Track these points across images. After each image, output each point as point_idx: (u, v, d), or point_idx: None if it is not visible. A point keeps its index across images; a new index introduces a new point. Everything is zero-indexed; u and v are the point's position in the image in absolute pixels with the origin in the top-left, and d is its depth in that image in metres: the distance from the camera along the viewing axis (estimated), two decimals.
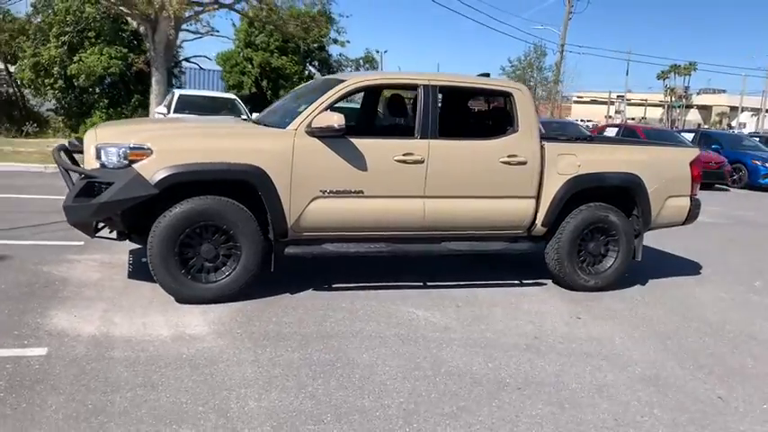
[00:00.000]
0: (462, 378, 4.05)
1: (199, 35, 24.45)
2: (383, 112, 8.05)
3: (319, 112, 5.23)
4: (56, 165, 5.26)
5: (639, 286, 6.57)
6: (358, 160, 5.31)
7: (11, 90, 26.07)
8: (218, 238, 5.09)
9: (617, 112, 77.48)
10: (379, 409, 3.56)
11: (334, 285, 5.81)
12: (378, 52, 34.39)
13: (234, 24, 27.28)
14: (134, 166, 4.82)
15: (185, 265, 5.04)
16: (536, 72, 36.41)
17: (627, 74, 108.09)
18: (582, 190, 6.02)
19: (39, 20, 25.97)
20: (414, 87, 5.73)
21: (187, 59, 29.12)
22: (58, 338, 4.21)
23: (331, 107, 5.36)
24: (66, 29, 25.34)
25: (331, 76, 6.54)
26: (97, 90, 26.35)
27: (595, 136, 10.37)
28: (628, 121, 61.27)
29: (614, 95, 79.34)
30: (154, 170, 4.82)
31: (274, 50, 26.95)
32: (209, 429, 3.22)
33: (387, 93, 7.43)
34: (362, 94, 7.11)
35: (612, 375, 4.27)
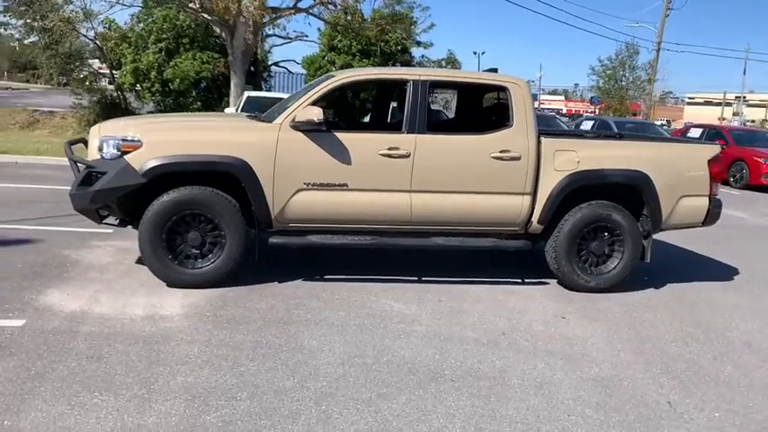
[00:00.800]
0: (400, 367, 4.07)
1: (288, 40, 25.39)
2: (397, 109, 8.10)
3: (304, 107, 5.39)
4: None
5: (653, 289, 6.27)
6: (342, 154, 5.43)
7: (115, 94, 27.96)
8: (205, 227, 5.36)
9: (734, 114, 72.56)
10: (297, 390, 3.66)
11: (326, 276, 5.95)
12: (475, 54, 34.22)
13: (319, 29, 28.06)
14: (125, 157, 5.17)
15: (173, 251, 5.34)
16: (628, 71, 34.97)
17: (744, 73, 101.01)
18: (581, 187, 5.84)
19: (140, 28, 27.80)
20: (403, 83, 5.77)
21: (276, 64, 30.26)
22: (40, 313, 4.61)
23: (317, 102, 5.51)
24: (163, 36, 27.00)
25: (328, 74, 6.68)
26: (192, 93, 27.80)
27: (606, 133, 9.84)
28: (747, 124, 57.36)
29: (731, 96, 74.35)
30: (142, 161, 5.15)
31: (356, 53, 27.42)
32: (125, 399, 3.44)
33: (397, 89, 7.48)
34: (375, 91, 7.21)
35: (563, 374, 4.15)
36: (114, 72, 28.43)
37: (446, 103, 7.87)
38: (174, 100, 27.57)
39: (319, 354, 4.19)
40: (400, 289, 5.71)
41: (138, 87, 28.05)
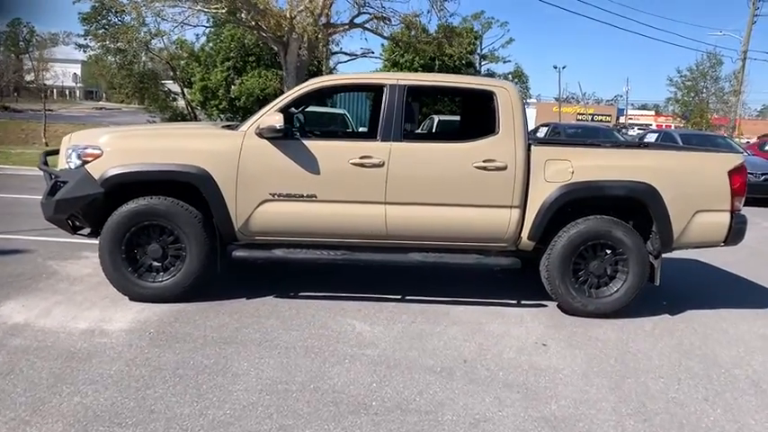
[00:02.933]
0: (324, 397, 3.67)
1: (353, 57, 25.46)
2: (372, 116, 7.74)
3: (269, 114, 5.13)
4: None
5: (666, 315, 5.57)
6: (310, 163, 5.11)
7: (186, 111, 28.92)
8: (166, 239, 5.16)
9: None
10: (192, 418, 3.33)
11: (302, 293, 5.62)
12: (555, 68, 33.26)
13: (382, 45, 28.04)
14: (86, 166, 5.05)
15: (134, 263, 5.16)
16: (710, 82, 32.94)
17: None
18: (576, 200, 5.26)
19: (209, 47, 28.69)
20: (379, 87, 5.41)
21: None
22: None
23: (285, 109, 5.24)
24: (231, 55, 27.74)
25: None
26: (258, 109, 28.36)
27: (623, 142, 8.92)
28: None
29: None
30: (102, 170, 5.01)
31: (418, 68, 27.22)
32: (3, 420, 3.22)
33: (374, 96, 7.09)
34: (373, 97, 6.84)
35: (510, 411, 3.63)
36: (185, 90, 29.44)
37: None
38: (243, 117, 28.26)
39: (243, 378, 3.85)
40: (376, 308, 5.31)
41: (207, 104, 28.92)
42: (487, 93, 5.42)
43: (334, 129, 10.42)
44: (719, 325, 5.41)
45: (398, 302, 5.51)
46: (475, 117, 6.03)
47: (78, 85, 77.65)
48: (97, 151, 5.06)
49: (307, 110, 15.18)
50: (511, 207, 5.24)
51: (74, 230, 5.50)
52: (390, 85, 5.29)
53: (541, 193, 5.22)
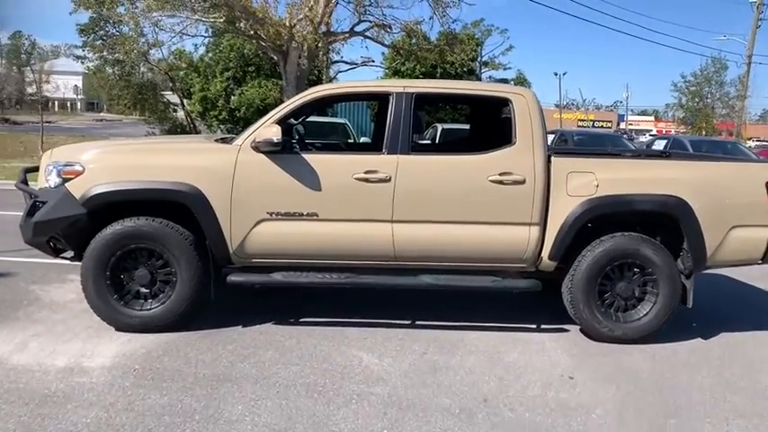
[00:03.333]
0: None
1: (353, 66, 25.09)
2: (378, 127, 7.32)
3: (266, 126, 4.71)
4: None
5: (699, 340, 5.12)
6: (311, 179, 4.68)
7: (185, 122, 28.54)
8: (155, 263, 4.73)
9: None
10: None
11: (302, 319, 5.18)
12: (556, 75, 32.93)
13: (383, 53, 27.68)
14: (66, 184, 4.63)
15: (120, 290, 4.73)
16: (715, 87, 32.50)
17: None
18: (601, 216, 4.83)
19: (209, 57, 28.36)
20: (384, 96, 4.99)
21: None
22: None
23: (283, 120, 4.82)
24: (230, 65, 27.40)
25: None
26: (257, 120, 27.97)
27: (646, 151, 8.38)
28: None
29: None
30: (83, 189, 4.59)
31: (420, 76, 26.82)
32: None
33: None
34: (377, 107, 6.42)
35: None
36: (185, 101, 29.07)
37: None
38: (243, 127, 27.86)
39: (237, 426, 3.41)
40: (383, 336, 4.86)
41: (207, 115, 28.56)
42: (502, 100, 5.00)
43: (336, 140, 9.94)
44: (760, 351, 4.97)
45: (408, 329, 5.07)
46: (488, 126, 5.61)
47: (79, 96, 77.56)
48: (78, 168, 4.64)
49: (306, 120, 14.77)
50: (530, 224, 4.80)
51: (56, 253, 5.08)
52: (397, 93, 4.87)
53: (563, 209, 4.78)
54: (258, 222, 4.70)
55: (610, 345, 4.87)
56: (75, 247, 4.93)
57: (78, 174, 4.63)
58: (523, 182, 4.75)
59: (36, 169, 5.24)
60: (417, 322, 5.22)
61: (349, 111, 27.04)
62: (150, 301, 4.76)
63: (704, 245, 4.84)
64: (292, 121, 5.39)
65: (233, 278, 4.82)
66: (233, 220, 4.66)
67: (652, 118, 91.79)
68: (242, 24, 18.22)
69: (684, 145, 15.29)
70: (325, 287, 4.97)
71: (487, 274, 4.97)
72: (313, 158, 4.75)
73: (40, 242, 4.85)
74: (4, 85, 47.25)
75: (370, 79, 21.51)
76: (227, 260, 4.82)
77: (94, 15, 24.24)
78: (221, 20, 17.86)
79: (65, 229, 4.67)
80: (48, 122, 40.93)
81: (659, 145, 16.67)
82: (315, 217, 4.72)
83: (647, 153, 6.28)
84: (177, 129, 27.89)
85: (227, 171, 4.65)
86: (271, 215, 4.69)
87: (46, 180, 4.79)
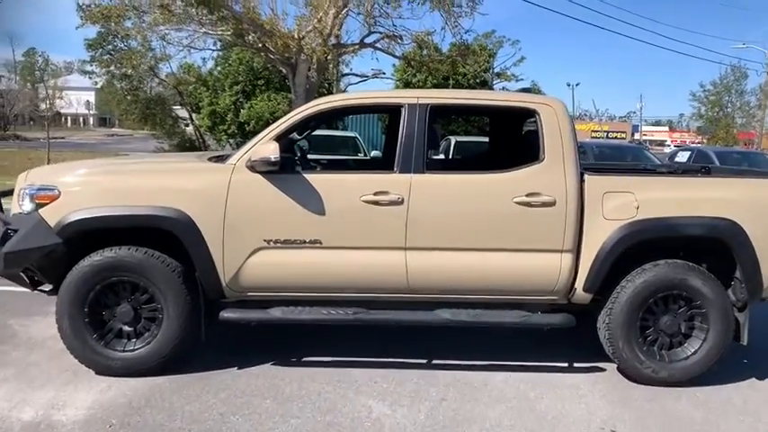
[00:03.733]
0: None
1: (364, 78, 24.65)
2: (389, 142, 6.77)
3: (262, 143, 4.19)
4: None
5: (753, 381, 4.54)
6: (313, 201, 4.16)
7: (194, 137, 28.21)
8: (139, 298, 4.21)
9: None
10: None
11: (305, 358, 4.64)
12: (569, 86, 32.26)
13: (394, 65, 27.23)
14: (40, 210, 4.13)
15: (100, 328, 4.21)
16: (735, 96, 31.75)
17: None
18: (643, 242, 4.26)
19: (218, 71, 28.11)
20: (396, 108, 4.46)
21: None
22: None
23: (282, 136, 4.30)
24: (240, 78, 27.09)
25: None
26: None
27: (686, 166, 7.67)
28: None
29: None
30: (59, 215, 4.09)
31: (431, 88, 26.33)
32: None
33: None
34: (388, 120, 5.90)
35: None
36: (194, 115, 28.79)
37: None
38: None
39: None
40: (396, 379, 4.30)
41: (216, 130, 28.23)
42: (528, 111, 4.46)
43: (343, 157, 9.33)
44: None
45: (423, 369, 4.51)
46: (510, 140, 5.08)
47: (91, 112, 77.94)
48: (53, 192, 4.14)
49: (313, 133, 13.99)
50: (561, 251, 4.25)
51: (33, 286, 4.57)
52: (409, 105, 4.34)
53: (599, 234, 4.22)
54: (254, 251, 4.17)
55: (654, 388, 4.29)
56: (52, 280, 4.41)
57: (53, 198, 4.13)
58: (554, 203, 4.20)
59: (11, 192, 4.75)
60: (434, 361, 4.67)
61: (359, 123, 26.57)
62: (134, 340, 4.24)
63: (761, 273, 4.26)
64: (295, 135, 4.88)
65: (226, 315, 4.28)
66: (226, 249, 4.14)
67: (666, 128, 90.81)
68: (250, 37, 17.89)
69: (710, 156, 14.64)
70: (329, 324, 4.42)
71: (513, 308, 4.40)
72: (316, 178, 4.22)
73: (14, 274, 4.35)
74: (14, 102, 47.28)
75: (380, 90, 20.69)
76: (220, 294, 4.29)
77: (102, 30, 24.02)
78: (229, 33, 17.52)
79: (39, 260, 4.16)
80: (59, 138, 40.87)
81: (683, 157, 16.02)
82: (318, 244, 4.19)
83: (684, 169, 5.69)
84: (186, 144, 27.56)
85: (220, 194, 4.13)
86: (268, 243, 4.17)
87: (19, 205, 4.30)
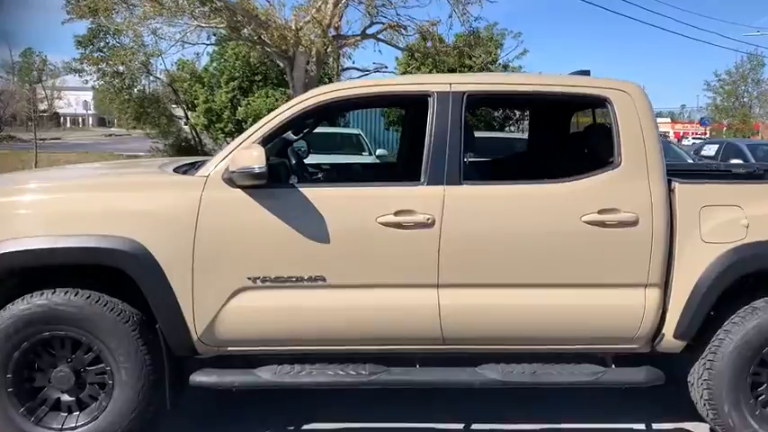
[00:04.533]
0: None
1: (365, 72, 23.54)
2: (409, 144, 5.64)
3: (244, 148, 3.11)
4: None
5: None
6: (314, 225, 3.10)
7: (190, 136, 27.19)
8: (81, 358, 3.14)
9: None
10: None
11: (306, 427, 3.56)
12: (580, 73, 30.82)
13: (397, 58, 26.11)
14: None
15: (29, 398, 3.14)
16: (751, 86, 30.57)
17: None
18: (755, 273, 3.19)
19: (213, 67, 27.11)
20: (421, 98, 3.36)
21: None
22: None
23: (270, 138, 3.23)
24: (236, 74, 26.05)
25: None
26: None
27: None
28: None
29: None
30: None
31: None
32: None
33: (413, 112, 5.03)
34: (410, 116, 4.78)
35: None
36: (189, 113, 27.74)
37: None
38: None
39: None
40: None
41: (212, 128, 27.23)
42: (597, 99, 3.37)
43: (347, 160, 7.89)
44: None
45: None
46: (566, 138, 3.98)
47: (89, 112, 77.04)
48: None
49: (307, 135, 12.45)
50: (646, 286, 3.18)
51: None
52: (439, 94, 3.26)
53: (696, 263, 3.16)
54: (235, 293, 3.11)
55: None
56: None
57: None
58: (635, 222, 3.13)
59: None
60: (474, 426, 3.58)
61: (359, 118, 25.20)
62: (76, 414, 3.17)
63: None
64: (291, 135, 3.80)
65: (199, 378, 3.20)
66: (197, 291, 3.07)
67: (668, 119, 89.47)
68: (245, 30, 16.91)
69: (742, 150, 13.52)
70: (336, 388, 3.35)
71: (579, 360, 3.33)
72: (316, 194, 3.15)
73: None
74: (8, 103, 46.17)
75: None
76: (191, 350, 3.21)
77: (93, 26, 23.03)
78: (222, 25, 16.53)
79: None
80: (55, 139, 39.84)
81: (710, 150, 14.90)
82: (321, 282, 3.12)
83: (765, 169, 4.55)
84: (182, 143, 26.50)
85: (187, 217, 3.06)
86: (254, 281, 3.10)
87: None
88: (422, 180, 3.18)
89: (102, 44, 25.24)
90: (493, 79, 3.65)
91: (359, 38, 17.67)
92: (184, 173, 3.40)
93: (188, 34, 17.90)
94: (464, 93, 3.27)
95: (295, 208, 3.10)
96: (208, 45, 22.90)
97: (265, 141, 3.19)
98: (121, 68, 23.56)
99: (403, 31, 18.21)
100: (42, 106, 56.09)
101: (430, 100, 3.26)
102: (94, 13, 18.71)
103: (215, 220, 3.07)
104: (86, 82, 26.88)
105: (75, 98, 64.89)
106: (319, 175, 4.40)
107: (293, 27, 15.87)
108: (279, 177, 3.36)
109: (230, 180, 3.08)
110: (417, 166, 3.24)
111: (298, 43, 16.07)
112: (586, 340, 3.27)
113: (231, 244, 3.08)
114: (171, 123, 26.84)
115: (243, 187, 3.07)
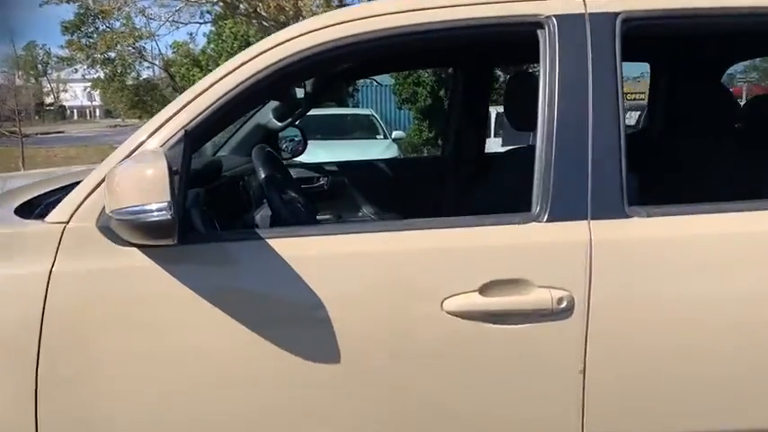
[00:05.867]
0: None
1: None
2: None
3: (137, 162, 1.36)
4: None
5: None
6: (305, 335, 1.34)
7: None
8: None
9: None
10: None
11: None
12: None
13: None
14: None
15: None
16: None
17: None
18: None
19: (210, 48, 25.81)
20: (520, 32, 1.55)
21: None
22: None
23: (204, 129, 1.47)
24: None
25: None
26: None
27: None
28: None
29: None
30: None
31: None
32: None
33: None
34: (472, 78, 2.98)
35: None
36: None
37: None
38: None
39: None
40: None
41: None
42: None
43: (365, 157, 4.99)
44: None
45: None
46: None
47: (94, 103, 76.25)
48: None
49: (325, 114, 9.62)
50: None
51: None
52: (564, 19, 1.48)
53: None
54: None
55: None
56: None
57: None
58: None
59: None
60: None
61: (363, 96, 22.49)
62: None
63: None
64: (274, 121, 2.02)
65: None
66: None
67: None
68: (242, 5, 15.50)
69: None
70: None
71: None
72: (306, 251, 1.40)
73: None
74: (6, 98, 45.10)
75: None
76: None
77: (81, 11, 21.64)
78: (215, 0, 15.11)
79: None
80: (59, 132, 38.67)
81: None
82: None
83: None
84: None
85: (23, 314, 1.33)
86: None
87: None
88: (536, 210, 1.43)
89: (91, 29, 23.74)
90: None
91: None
92: (40, 213, 1.62)
93: (179, 13, 16.71)
94: (616, 15, 1.48)
95: (258, 281, 1.38)
96: (201, 24, 21.49)
97: (197, 135, 1.45)
98: (112, 54, 22.13)
99: None
100: (49, 99, 55.16)
101: (543, 34, 1.49)
102: None
103: (80, 333, 1.35)
104: (76, 71, 25.46)
105: (83, 90, 64.31)
106: (322, 183, 2.68)
107: None
108: (226, 210, 1.62)
109: (104, 229, 1.35)
110: (485, 165, 1.49)
111: (298, 14, 14.46)
112: None
113: (116, 394, 1.36)
114: None
115: (140, 246, 1.34)
